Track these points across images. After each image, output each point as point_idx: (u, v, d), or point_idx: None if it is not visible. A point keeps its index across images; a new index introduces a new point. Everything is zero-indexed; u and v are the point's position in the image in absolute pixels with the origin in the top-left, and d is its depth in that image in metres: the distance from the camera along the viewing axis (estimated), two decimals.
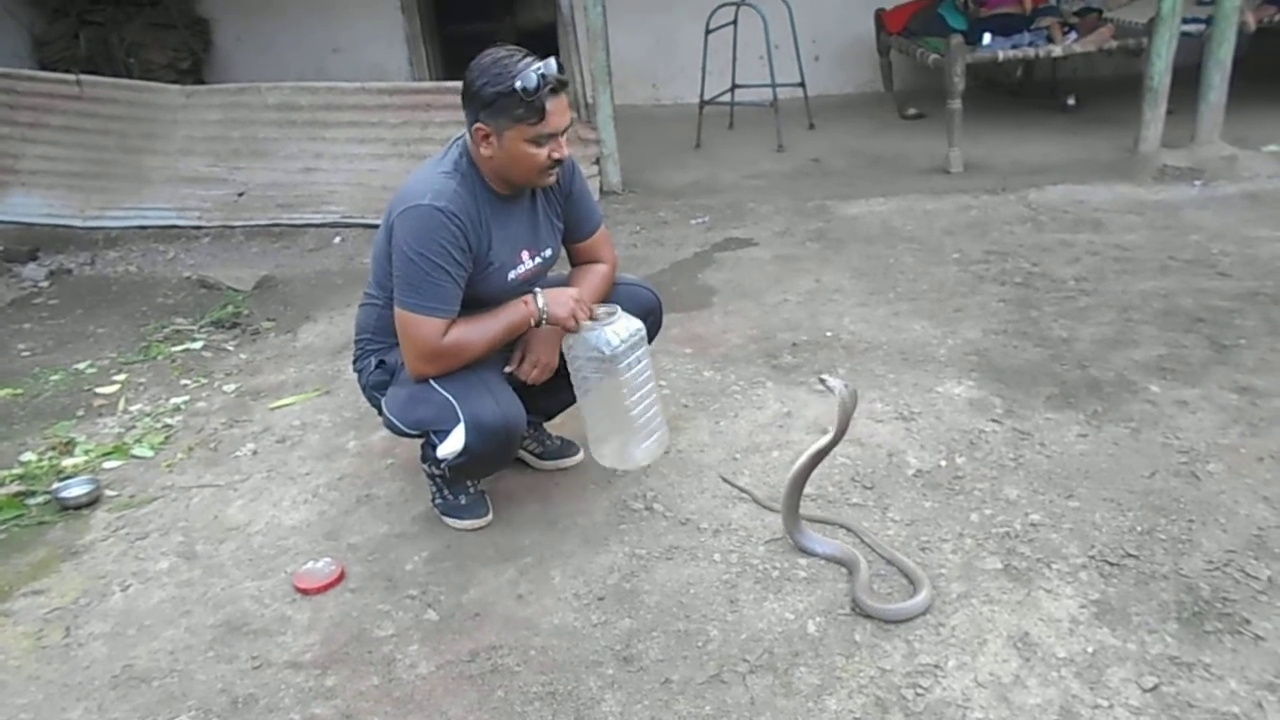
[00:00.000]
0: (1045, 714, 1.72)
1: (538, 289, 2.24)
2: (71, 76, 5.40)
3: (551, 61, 2.08)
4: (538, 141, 2.09)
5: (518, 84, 2.01)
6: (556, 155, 2.13)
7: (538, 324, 2.22)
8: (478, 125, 2.09)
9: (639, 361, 2.29)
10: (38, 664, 2.05)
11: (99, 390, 3.40)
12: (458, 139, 2.21)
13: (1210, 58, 4.81)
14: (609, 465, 2.43)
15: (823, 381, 2.14)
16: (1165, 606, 1.95)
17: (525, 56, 2.06)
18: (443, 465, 2.21)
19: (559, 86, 2.07)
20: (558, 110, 2.09)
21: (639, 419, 2.34)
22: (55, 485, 2.71)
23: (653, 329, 2.53)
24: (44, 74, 5.72)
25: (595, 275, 2.41)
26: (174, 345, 3.75)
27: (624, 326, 2.24)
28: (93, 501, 2.66)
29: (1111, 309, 3.36)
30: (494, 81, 2.03)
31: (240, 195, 5.23)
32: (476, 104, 2.07)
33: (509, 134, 2.07)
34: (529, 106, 2.04)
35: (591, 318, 2.25)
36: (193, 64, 7.34)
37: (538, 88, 2.02)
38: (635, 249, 4.37)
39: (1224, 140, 4.91)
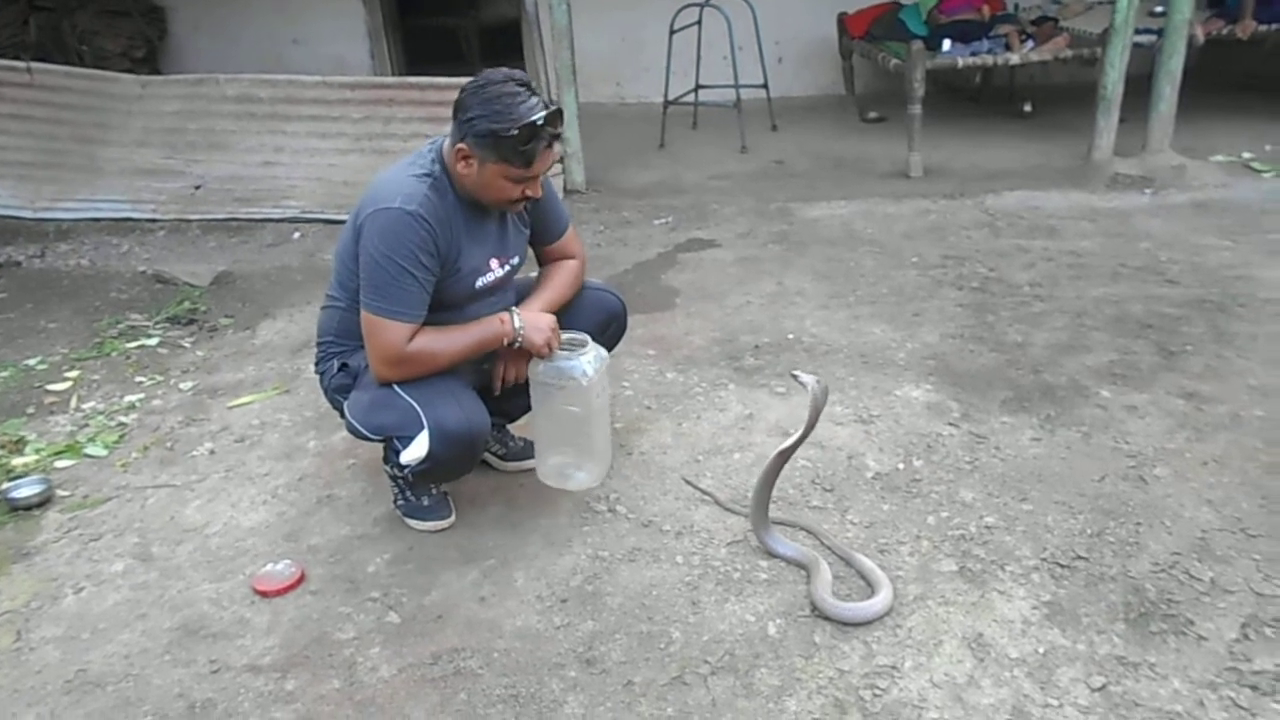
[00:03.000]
0: (998, 714, 1.76)
1: (514, 310, 2.25)
2: (22, 64, 5.25)
3: (555, 112, 2.05)
4: (516, 180, 2.10)
5: (514, 132, 2.00)
6: (530, 193, 2.15)
7: (510, 344, 2.22)
8: (460, 147, 2.07)
9: (604, 391, 2.34)
10: None
11: (50, 387, 3.33)
12: (433, 142, 2.20)
13: (1161, 69, 4.93)
14: (549, 483, 2.43)
15: (795, 377, 2.18)
16: (1113, 608, 2.01)
17: (529, 98, 2.03)
18: (406, 470, 2.20)
19: (553, 140, 2.08)
20: (544, 159, 2.10)
21: (593, 444, 2.38)
22: (5, 485, 2.65)
23: (616, 335, 2.55)
24: None
25: (566, 272, 2.43)
26: (128, 341, 3.68)
27: (596, 356, 2.28)
28: (44, 502, 2.61)
29: (1065, 315, 3.43)
30: (493, 119, 2.01)
31: (197, 188, 5.14)
32: (466, 129, 2.05)
33: (490, 166, 2.07)
34: (519, 154, 2.04)
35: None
36: (148, 53, 7.16)
37: (533, 140, 2.03)
38: (599, 249, 4.37)
39: (1173, 149, 5.04)
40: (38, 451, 2.88)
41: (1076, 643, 1.92)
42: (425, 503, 2.39)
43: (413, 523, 2.40)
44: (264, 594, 2.19)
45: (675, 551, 2.27)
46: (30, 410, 3.17)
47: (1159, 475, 2.46)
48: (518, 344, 2.22)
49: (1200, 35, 5.49)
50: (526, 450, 2.63)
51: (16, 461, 2.82)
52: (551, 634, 2.03)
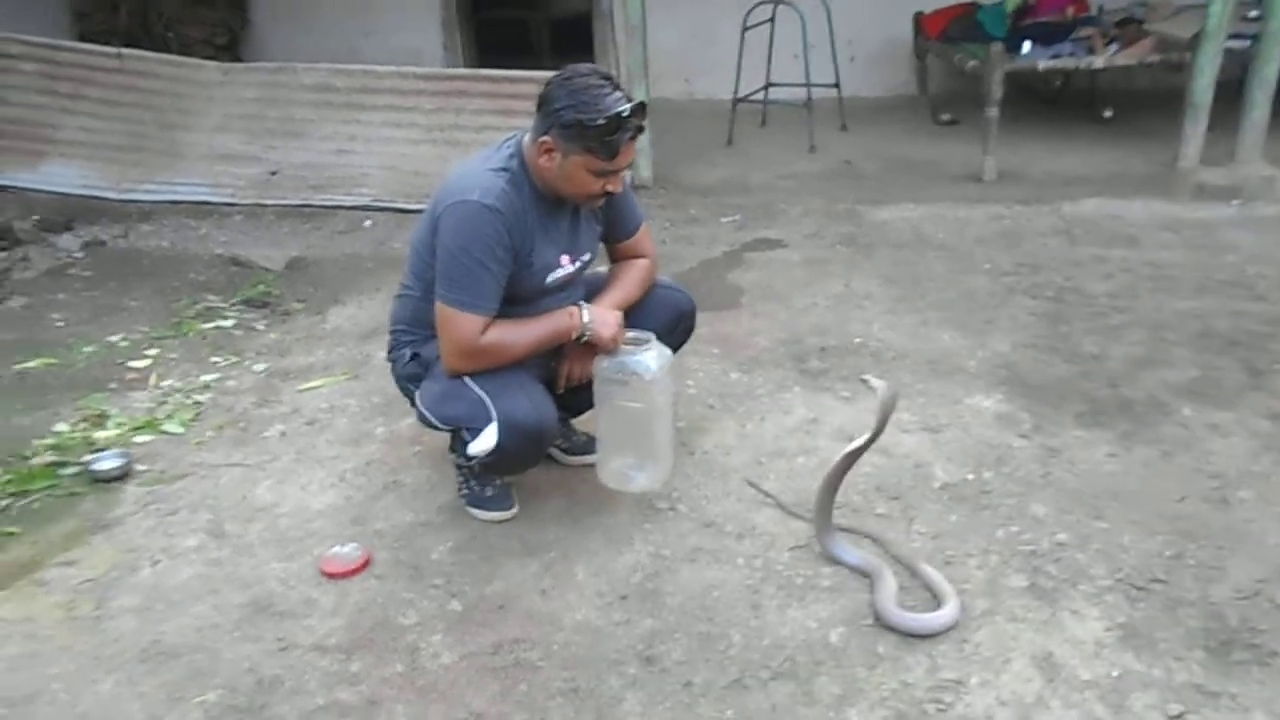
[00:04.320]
0: None
1: (584, 304, 2.26)
2: (113, 50, 5.43)
3: (639, 104, 2.08)
4: (599, 174, 2.12)
5: (601, 121, 2.02)
6: (611, 188, 2.16)
7: (578, 338, 2.23)
8: (545, 139, 2.09)
9: (667, 389, 2.33)
10: (69, 635, 2.08)
11: (131, 364, 3.43)
12: (511, 137, 2.22)
13: (1255, 76, 4.74)
14: (610, 485, 2.41)
15: (864, 381, 2.16)
16: (1192, 634, 1.94)
17: (614, 91, 2.06)
18: (473, 461, 2.22)
19: (637, 133, 2.09)
20: (627, 152, 2.11)
21: (655, 445, 2.36)
22: (87, 457, 2.74)
23: (684, 334, 2.55)
24: (86, 45, 5.75)
25: (638, 270, 2.43)
26: (205, 322, 3.78)
27: (660, 353, 2.27)
28: (124, 475, 2.69)
29: (1144, 328, 3.33)
30: (580, 109, 2.03)
31: (273, 174, 5.26)
32: (551, 120, 2.07)
33: (574, 159, 2.09)
34: (604, 145, 2.06)
35: None
36: (229, 40, 7.36)
37: (619, 131, 2.04)
38: (665, 245, 4.35)
39: (1264, 160, 4.84)
40: (119, 426, 2.97)
41: (1152, 668, 1.86)
42: (489, 493, 2.42)
43: (476, 512, 2.42)
44: (331, 576, 2.24)
45: (737, 553, 2.26)
46: (113, 385, 3.27)
47: (1243, 498, 2.37)
48: (585, 337, 2.23)
49: None
50: (590, 445, 2.63)
51: (99, 435, 2.92)
52: (611, 630, 2.04)
